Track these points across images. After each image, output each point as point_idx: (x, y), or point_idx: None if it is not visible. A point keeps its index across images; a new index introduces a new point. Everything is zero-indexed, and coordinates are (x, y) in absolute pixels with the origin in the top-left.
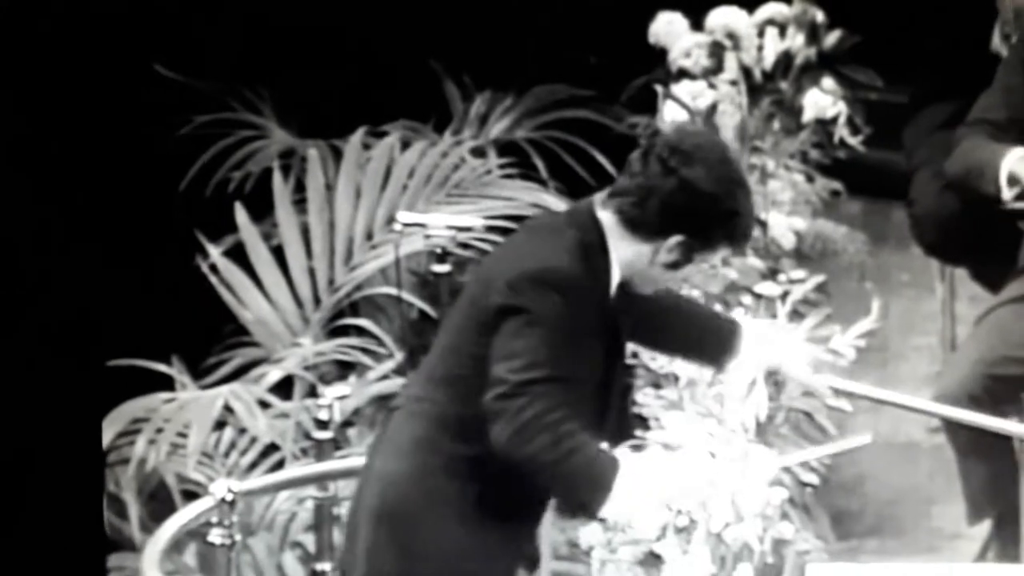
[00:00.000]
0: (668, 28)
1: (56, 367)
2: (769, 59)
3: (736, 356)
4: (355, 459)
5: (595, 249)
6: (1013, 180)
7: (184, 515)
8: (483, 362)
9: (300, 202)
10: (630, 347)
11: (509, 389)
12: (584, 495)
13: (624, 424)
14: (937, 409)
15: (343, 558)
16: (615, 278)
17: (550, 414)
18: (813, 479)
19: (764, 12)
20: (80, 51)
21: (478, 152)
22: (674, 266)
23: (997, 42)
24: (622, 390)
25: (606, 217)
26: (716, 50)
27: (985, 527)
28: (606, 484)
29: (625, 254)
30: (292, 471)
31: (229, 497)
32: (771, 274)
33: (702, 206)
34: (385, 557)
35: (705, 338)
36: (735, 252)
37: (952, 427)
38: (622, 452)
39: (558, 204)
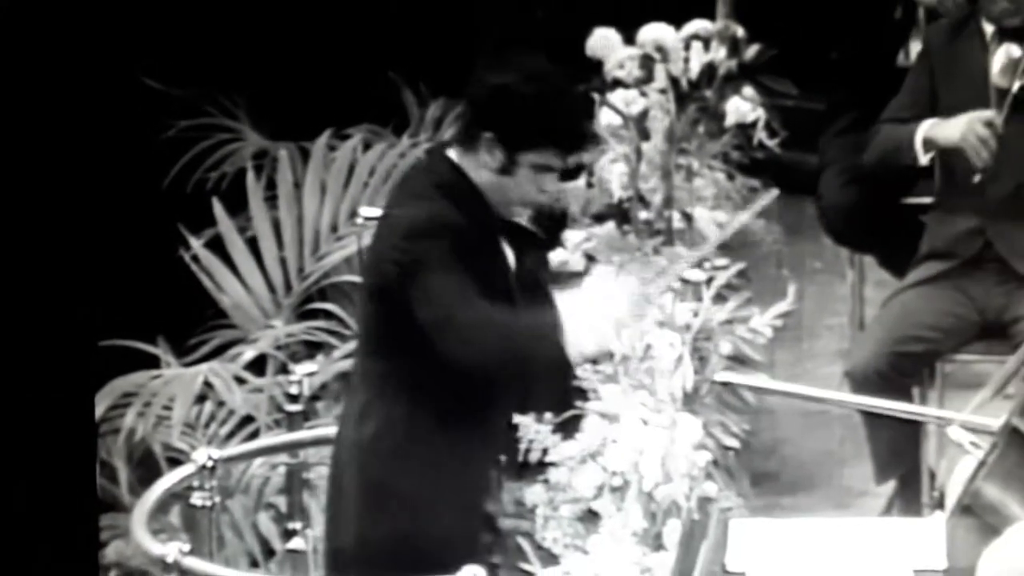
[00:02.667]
0: (604, 42)
1: (55, 346)
2: (695, 70)
3: None
4: (323, 429)
5: (454, 181)
6: (928, 144)
7: (169, 480)
8: (392, 323)
9: (272, 198)
10: None
11: (439, 329)
12: (543, 347)
13: (566, 395)
14: (819, 394)
15: (328, 519)
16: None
17: (482, 324)
18: (734, 443)
19: (690, 28)
20: (75, 65)
21: None
22: (504, 171)
23: (902, 57)
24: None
25: (453, 151)
26: (647, 62)
27: (890, 486)
28: (552, 325)
29: (474, 174)
30: (266, 440)
31: (209, 463)
32: (699, 262)
33: (498, 99)
34: (362, 513)
35: None
36: (562, 156)
37: (861, 410)
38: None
39: None
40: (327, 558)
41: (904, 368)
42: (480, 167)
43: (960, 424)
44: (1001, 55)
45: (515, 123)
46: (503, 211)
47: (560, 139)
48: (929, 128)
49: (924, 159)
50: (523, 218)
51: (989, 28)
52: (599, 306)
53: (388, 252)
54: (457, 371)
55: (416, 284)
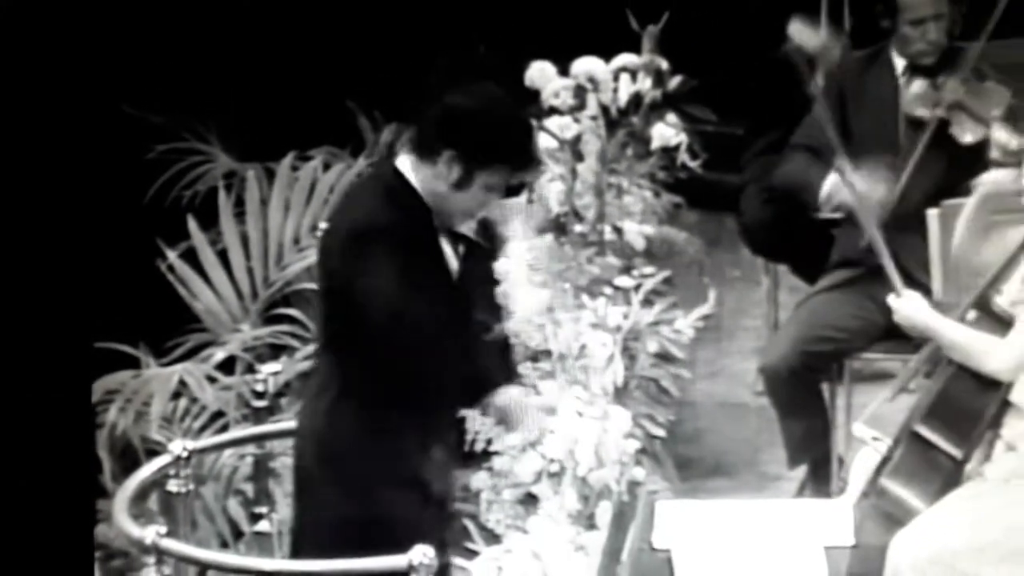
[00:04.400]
0: (540, 74)
1: (45, 349)
2: (623, 99)
3: None
4: (286, 423)
5: (399, 189)
6: (828, 199)
7: (148, 469)
8: (339, 321)
9: (240, 214)
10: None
11: (379, 326)
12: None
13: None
14: None
15: (294, 503)
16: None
17: (419, 323)
18: (660, 432)
19: (618, 61)
20: (67, 95)
21: None
22: (459, 185)
23: (812, 87)
24: (502, 347)
25: (402, 160)
26: (579, 92)
27: (801, 470)
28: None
29: (425, 185)
30: (235, 433)
31: (184, 454)
32: (626, 270)
33: (464, 121)
34: (320, 497)
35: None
36: (517, 174)
37: (773, 391)
38: None
39: None
40: (293, 539)
41: (814, 365)
42: (435, 179)
43: (864, 421)
44: (916, 88)
45: (477, 143)
46: (445, 221)
47: (514, 160)
48: (831, 186)
49: (826, 210)
50: (467, 229)
51: (900, 62)
52: (526, 273)
53: (334, 254)
54: (400, 366)
55: (358, 283)
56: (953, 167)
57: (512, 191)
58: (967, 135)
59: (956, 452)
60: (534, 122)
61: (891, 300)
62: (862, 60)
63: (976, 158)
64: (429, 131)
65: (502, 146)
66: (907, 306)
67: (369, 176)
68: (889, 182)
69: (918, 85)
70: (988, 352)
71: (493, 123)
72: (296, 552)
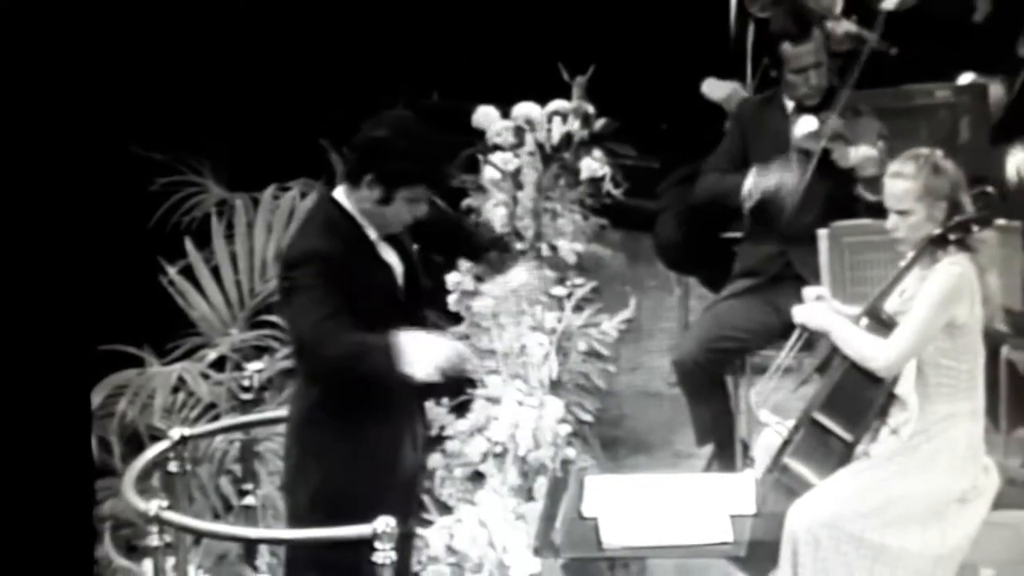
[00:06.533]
0: (485, 116)
1: (64, 351)
2: (556, 137)
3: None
4: (269, 413)
5: (334, 217)
6: (750, 194)
7: (151, 452)
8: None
9: (230, 236)
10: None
11: (297, 341)
12: (378, 360)
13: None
14: None
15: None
16: (370, 232)
17: (330, 339)
18: (589, 418)
19: (552, 106)
20: (85, 138)
21: None
22: (384, 201)
23: (727, 125)
24: None
25: (338, 190)
26: (519, 132)
27: (709, 449)
28: (393, 348)
29: (357, 206)
30: (225, 421)
31: (182, 439)
32: (560, 281)
33: (378, 148)
34: (301, 474)
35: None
36: (433, 190)
37: (684, 382)
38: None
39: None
40: (287, 511)
41: (718, 359)
42: (362, 200)
43: (769, 408)
44: (803, 125)
45: (390, 166)
46: (384, 230)
47: (426, 178)
48: (752, 181)
49: (749, 204)
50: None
51: (790, 103)
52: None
53: (278, 278)
54: (317, 367)
55: (287, 304)
56: (837, 188)
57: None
58: (846, 160)
59: (848, 436)
60: (480, 157)
61: (797, 308)
62: (759, 103)
63: (855, 180)
64: (352, 159)
65: (412, 166)
66: (808, 308)
67: (311, 208)
68: (797, 172)
69: (804, 122)
70: (872, 350)
71: (403, 148)
72: (291, 523)
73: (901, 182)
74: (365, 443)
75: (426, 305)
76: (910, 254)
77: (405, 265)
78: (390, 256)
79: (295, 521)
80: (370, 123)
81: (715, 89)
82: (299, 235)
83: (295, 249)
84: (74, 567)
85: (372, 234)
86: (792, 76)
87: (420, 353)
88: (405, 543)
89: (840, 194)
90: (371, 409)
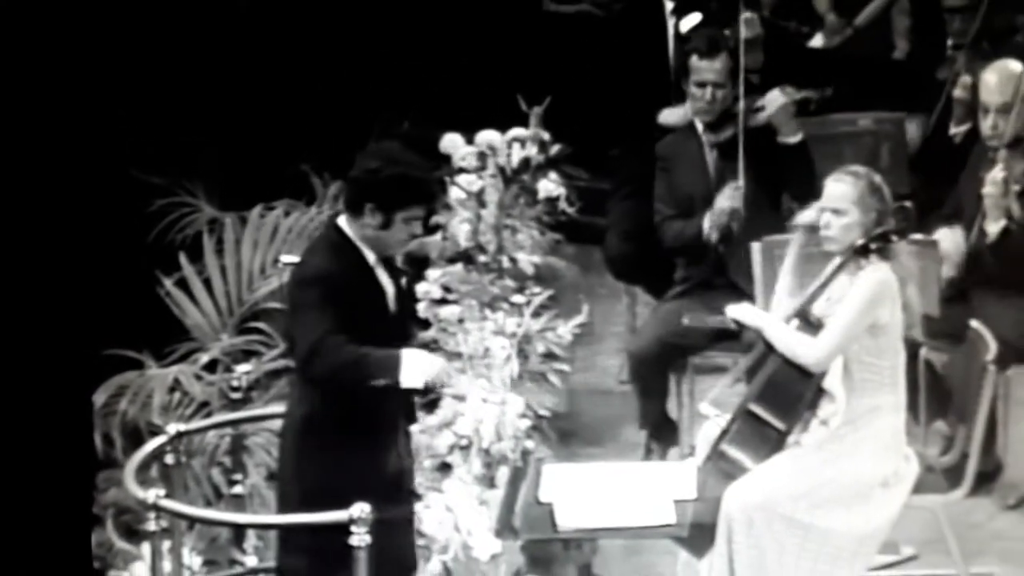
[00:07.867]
0: (451, 143)
1: (71, 355)
2: (515, 161)
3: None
4: (257, 411)
5: (338, 242)
6: (711, 226)
7: (150, 446)
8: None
9: (220, 251)
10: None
11: (299, 354)
12: (374, 370)
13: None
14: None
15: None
16: (369, 256)
17: (334, 350)
18: (546, 413)
19: (512, 133)
20: (90, 163)
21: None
22: (383, 226)
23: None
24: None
25: (341, 218)
26: (482, 156)
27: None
28: (393, 361)
29: (359, 232)
30: (216, 418)
31: (178, 434)
32: (520, 290)
33: (371, 178)
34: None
35: None
36: (426, 211)
37: (634, 371)
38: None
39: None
40: (277, 498)
41: (662, 356)
42: (365, 227)
43: (709, 402)
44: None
45: (387, 193)
46: (384, 252)
47: (420, 198)
48: (709, 218)
49: (715, 236)
50: (399, 258)
51: (706, 137)
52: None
53: (287, 294)
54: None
55: (293, 319)
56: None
57: (431, 230)
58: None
59: (781, 425)
60: (447, 179)
61: (730, 307)
62: (675, 138)
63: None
64: (352, 191)
65: (406, 190)
66: (743, 307)
67: (320, 233)
68: (738, 191)
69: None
70: (803, 348)
71: (397, 174)
72: (281, 508)
73: (841, 185)
74: (357, 446)
75: (413, 322)
76: (836, 260)
77: (396, 287)
78: (385, 279)
79: (287, 507)
80: (362, 156)
81: (670, 116)
82: (308, 257)
83: (305, 270)
84: (74, 549)
85: (371, 258)
86: (694, 88)
87: (417, 367)
88: (405, 532)
89: (768, 193)
90: (363, 415)
